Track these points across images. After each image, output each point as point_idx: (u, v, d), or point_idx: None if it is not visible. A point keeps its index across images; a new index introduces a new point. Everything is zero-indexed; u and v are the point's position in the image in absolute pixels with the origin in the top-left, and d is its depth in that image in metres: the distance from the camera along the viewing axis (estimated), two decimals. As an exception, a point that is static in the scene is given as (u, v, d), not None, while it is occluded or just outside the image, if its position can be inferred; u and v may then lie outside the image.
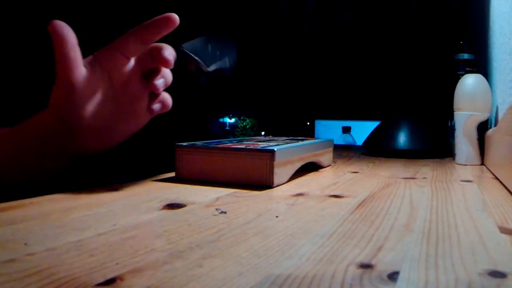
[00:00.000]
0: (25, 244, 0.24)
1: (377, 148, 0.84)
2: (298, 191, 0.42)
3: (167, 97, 0.47)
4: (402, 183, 0.48)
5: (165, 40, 0.44)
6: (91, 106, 0.42)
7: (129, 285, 0.18)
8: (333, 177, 0.53)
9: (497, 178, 0.53)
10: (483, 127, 0.69)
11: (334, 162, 0.67)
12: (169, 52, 0.44)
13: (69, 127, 0.42)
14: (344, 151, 0.92)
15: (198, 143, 0.49)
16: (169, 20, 0.42)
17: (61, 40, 0.40)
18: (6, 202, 0.34)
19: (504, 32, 0.70)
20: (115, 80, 0.44)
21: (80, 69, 0.41)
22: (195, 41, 0.60)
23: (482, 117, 0.69)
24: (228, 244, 0.24)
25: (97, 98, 0.43)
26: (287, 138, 0.63)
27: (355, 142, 1.58)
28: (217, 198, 0.37)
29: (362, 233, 0.27)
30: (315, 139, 0.63)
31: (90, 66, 0.42)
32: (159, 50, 0.43)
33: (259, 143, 0.51)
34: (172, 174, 0.49)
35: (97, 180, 0.56)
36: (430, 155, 0.80)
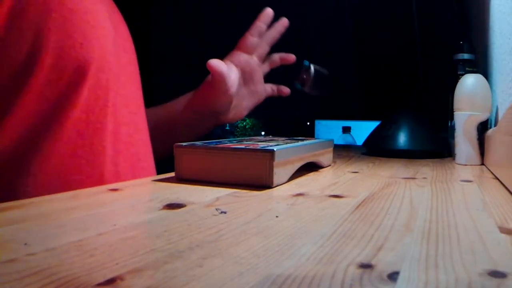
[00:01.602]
0: (25, 244, 0.24)
1: (377, 148, 0.84)
2: (298, 191, 0.42)
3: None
4: (402, 183, 0.48)
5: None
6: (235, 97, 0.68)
7: (129, 285, 0.18)
8: (333, 177, 0.53)
9: (497, 178, 0.53)
10: (483, 127, 0.69)
11: (334, 162, 0.67)
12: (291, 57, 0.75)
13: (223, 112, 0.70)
14: (344, 151, 0.92)
15: (198, 143, 0.49)
16: (267, 13, 0.71)
17: (219, 75, 0.62)
18: (6, 202, 0.34)
19: (504, 32, 0.70)
20: (244, 72, 0.70)
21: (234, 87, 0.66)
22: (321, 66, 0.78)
23: (482, 117, 0.69)
24: (228, 244, 0.24)
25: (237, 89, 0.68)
26: (287, 138, 0.63)
27: (355, 142, 1.58)
28: (217, 198, 0.37)
29: (362, 233, 0.27)
30: (315, 139, 0.63)
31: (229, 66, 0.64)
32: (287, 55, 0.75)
33: (259, 143, 0.51)
34: (172, 174, 0.49)
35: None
36: (430, 155, 0.80)
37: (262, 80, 0.74)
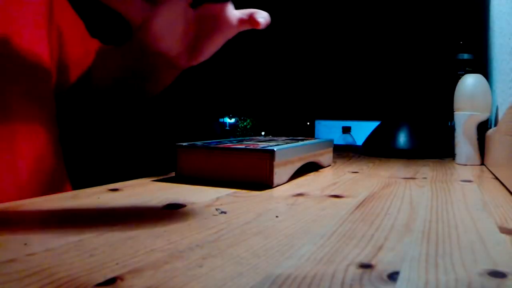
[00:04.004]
0: (25, 244, 0.24)
1: (377, 148, 0.84)
2: (298, 191, 0.42)
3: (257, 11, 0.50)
4: (402, 183, 0.48)
5: None
6: (167, 38, 0.47)
7: (129, 285, 0.18)
8: (333, 177, 0.53)
9: (497, 178, 0.53)
10: (483, 127, 0.69)
11: (334, 162, 0.67)
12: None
13: (152, 53, 0.48)
14: (344, 151, 0.92)
15: (198, 143, 0.49)
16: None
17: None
18: (6, 202, 0.34)
19: (504, 32, 0.70)
20: (188, 12, 0.48)
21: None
22: None
23: (482, 117, 0.69)
24: (228, 244, 0.24)
25: (172, 30, 0.47)
26: (287, 138, 0.63)
27: (355, 142, 1.58)
28: (217, 198, 0.37)
29: (362, 233, 0.27)
30: (315, 139, 0.63)
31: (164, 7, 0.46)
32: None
33: (259, 143, 0.51)
34: (172, 174, 0.49)
35: (98, 181, 0.56)
36: (430, 155, 0.80)
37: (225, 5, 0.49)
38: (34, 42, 0.49)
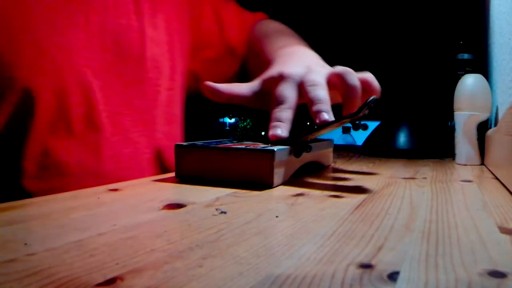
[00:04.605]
0: (25, 244, 0.24)
1: (377, 148, 0.83)
2: (298, 191, 0.42)
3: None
4: (402, 183, 0.48)
5: None
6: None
7: (129, 285, 0.18)
8: (333, 177, 0.53)
9: (497, 178, 0.53)
10: (483, 127, 0.69)
11: (334, 162, 0.67)
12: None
13: None
14: (344, 151, 0.92)
15: (198, 143, 0.49)
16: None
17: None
18: (6, 202, 0.34)
19: (504, 32, 0.70)
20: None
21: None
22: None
23: (482, 117, 0.69)
24: (228, 244, 0.24)
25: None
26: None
27: (355, 142, 1.58)
28: (217, 198, 0.37)
29: (362, 233, 0.27)
30: (315, 139, 0.63)
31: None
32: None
33: (259, 143, 0.51)
34: (172, 174, 0.49)
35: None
36: (430, 155, 0.80)
37: None
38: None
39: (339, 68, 0.52)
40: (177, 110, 0.67)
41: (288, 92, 0.51)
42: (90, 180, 0.50)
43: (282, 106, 0.50)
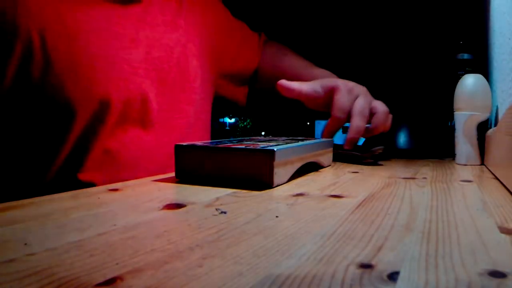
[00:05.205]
0: (25, 244, 0.24)
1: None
2: (298, 191, 0.42)
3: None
4: (402, 183, 0.48)
5: None
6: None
7: (129, 285, 0.18)
8: (333, 177, 0.53)
9: (497, 178, 0.53)
10: (483, 127, 0.69)
11: (334, 162, 0.67)
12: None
13: None
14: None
15: (198, 143, 0.49)
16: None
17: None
18: (6, 202, 0.34)
19: (504, 32, 0.70)
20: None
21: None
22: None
23: (482, 117, 0.69)
24: (228, 244, 0.24)
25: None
26: (287, 138, 0.63)
27: (355, 142, 1.57)
28: (217, 198, 0.37)
29: (362, 233, 0.27)
30: (315, 139, 0.63)
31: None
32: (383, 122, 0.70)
33: (259, 143, 0.51)
34: (172, 174, 0.49)
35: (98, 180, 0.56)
36: (430, 155, 0.80)
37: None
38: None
39: (380, 108, 0.68)
40: (208, 116, 0.79)
41: (361, 104, 0.68)
42: (141, 173, 0.57)
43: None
